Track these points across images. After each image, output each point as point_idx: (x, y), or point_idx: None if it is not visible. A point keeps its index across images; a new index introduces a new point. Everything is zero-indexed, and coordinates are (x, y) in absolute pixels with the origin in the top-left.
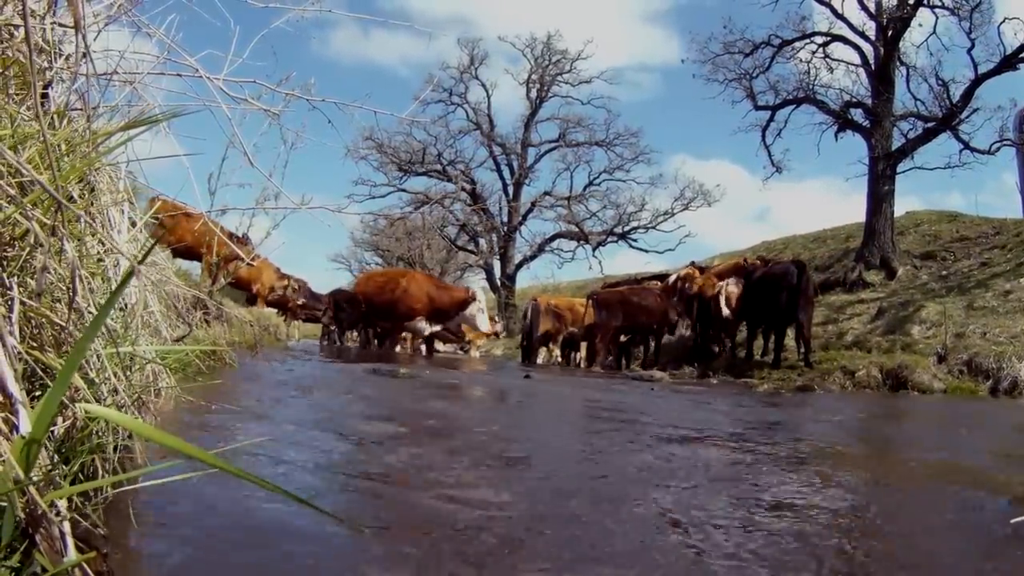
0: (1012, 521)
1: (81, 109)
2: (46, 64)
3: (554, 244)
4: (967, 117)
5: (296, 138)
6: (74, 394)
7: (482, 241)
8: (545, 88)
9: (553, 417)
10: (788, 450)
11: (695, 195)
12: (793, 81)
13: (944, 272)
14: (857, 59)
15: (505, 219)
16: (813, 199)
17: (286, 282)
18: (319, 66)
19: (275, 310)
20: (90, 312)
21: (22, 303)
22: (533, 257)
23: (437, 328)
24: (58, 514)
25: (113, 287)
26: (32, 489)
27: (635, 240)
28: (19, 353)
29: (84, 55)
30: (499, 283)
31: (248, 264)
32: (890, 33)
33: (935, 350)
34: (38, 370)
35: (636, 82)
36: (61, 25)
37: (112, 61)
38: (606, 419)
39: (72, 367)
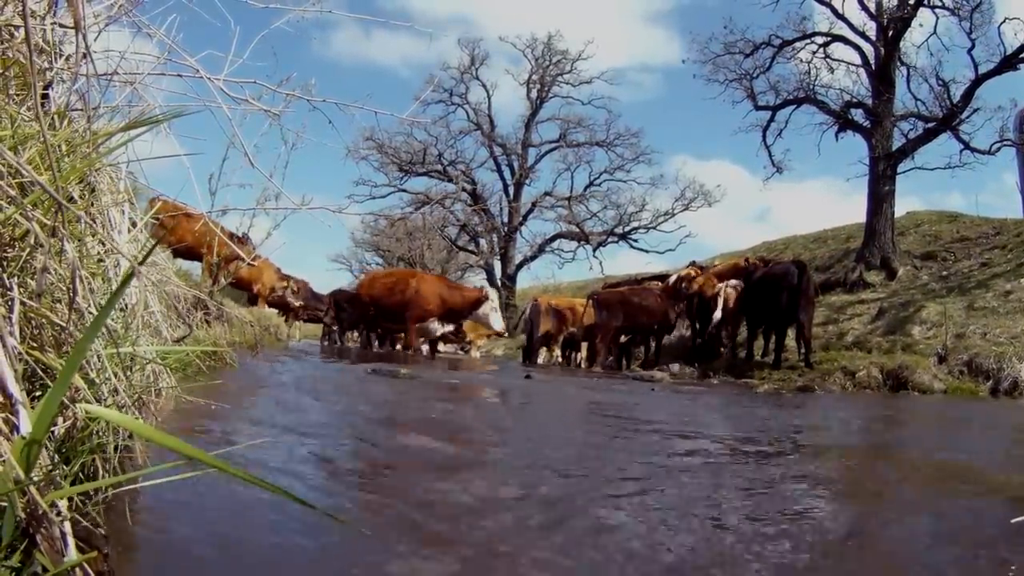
0: (1012, 521)
1: (81, 110)
2: (46, 64)
3: (554, 244)
4: (967, 117)
5: (297, 138)
6: (74, 394)
7: (483, 241)
8: (546, 88)
9: (556, 418)
10: (788, 449)
11: (696, 195)
12: (793, 81)
13: (944, 272)
14: (857, 59)
15: (506, 219)
16: (814, 199)
17: (286, 283)
18: (320, 66)
19: (276, 310)
20: (90, 312)
21: (22, 303)
22: (534, 257)
23: (450, 329)
24: (59, 514)
25: (113, 287)
26: (33, 489)
27: (635, 240)
28: (19, 353)
29: (84, 55)
30: (499, 283)
31: (249, 264)
32: (890, 33)
33: (935, 350)
34: (38, 370)
35: (637, 82)
36: (61, 25)
37: (112, 61)
38: (610, 420)
39: (72, 367)
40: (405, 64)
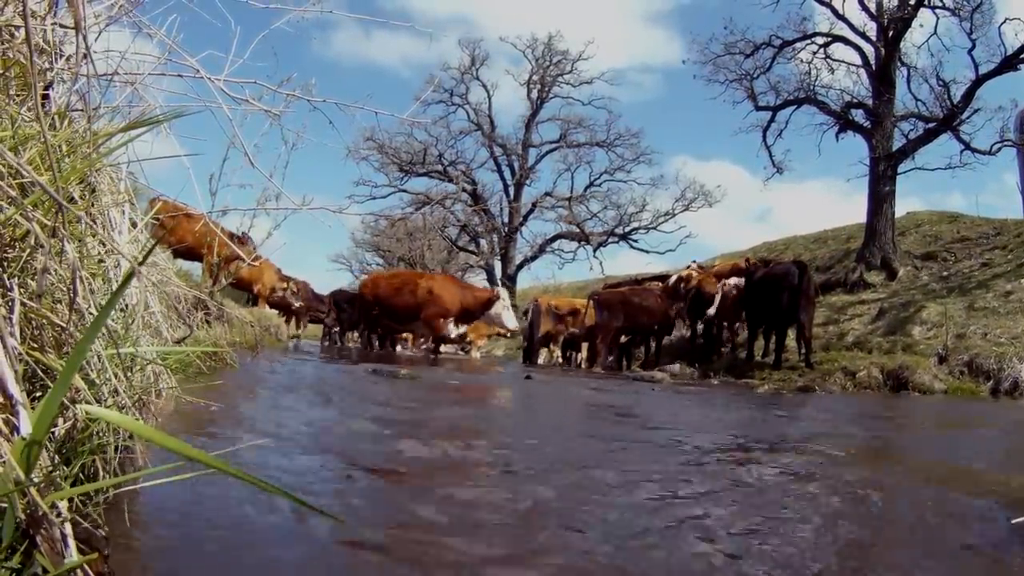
0: (1013, 522)
1: (82, 110)
2: (47, 65)
3: (555, 245)
4: (968, 118)
5: (297, 139)
6: (75, 395)
7: (483, 242)
8: (546, 89)
9: (561, 418)
10: (788, 449)
11: (696, 196)
12: (794, 82)
13: (945, 273)
14: (858, 60)
15: (506, 220)
16: (814, 200)
17: (287, 284)
18: (320, 67)
19: (276, 311)
20: (91, 313)
21: (23, 304)
22: (534, 258)
23: (464, 329)
24: (59, 515)
25: (114, 288)
26: (33, 490)
27: (636, 241)
28: (20, 354)
29: (85, 56)
30: (500, 284)
31: (249, 265)
32: (891, 34)
33: (936, 351)
34: (39, 371)
35: (638, 83)
36: (62, 26)
37: (113, 62)
38: (613, 421)
39: (73, 368)
40: (405, 64)
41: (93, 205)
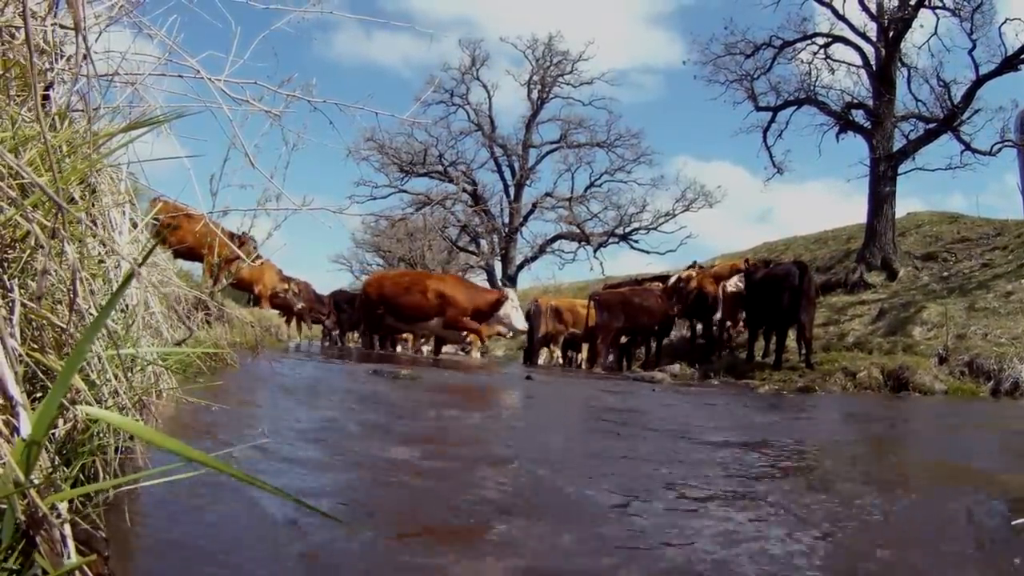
0: (1013, 523)
1: (82, 110)
2: (47, 66)
3: (555, 245)
4: (968, 118)
5: (297, 139)
6: (75, 396)
7: (483, 242)
8: (546, 89)
9: (565, 419)
10: (788, 449)
11: (696, 196)
12: (794, 82)
13: (945, 273)
14: (858, 60)
15: (506, 220)
16: (814, 200)
17: (288, 285)
18: (320, 67)
19: (276, 311)
20: (91, 314)
21: (23, 305)
22: (534, 258)
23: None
24: (59, 516)
25: (114, 289)
26: (33, 491)
27: (636, 241)
28: (20, 355)
29: (85, 56)
30: (500, 284)
31: (250, 265)
32: (891, 34)
33: (936, 351)
34: (39, 372)
35: (638, 83)
36: (62, 26)
37: (113, 62)
38: (616, 421)
39: (72, 369)
40: (406, 65)
41: (93, 206)
